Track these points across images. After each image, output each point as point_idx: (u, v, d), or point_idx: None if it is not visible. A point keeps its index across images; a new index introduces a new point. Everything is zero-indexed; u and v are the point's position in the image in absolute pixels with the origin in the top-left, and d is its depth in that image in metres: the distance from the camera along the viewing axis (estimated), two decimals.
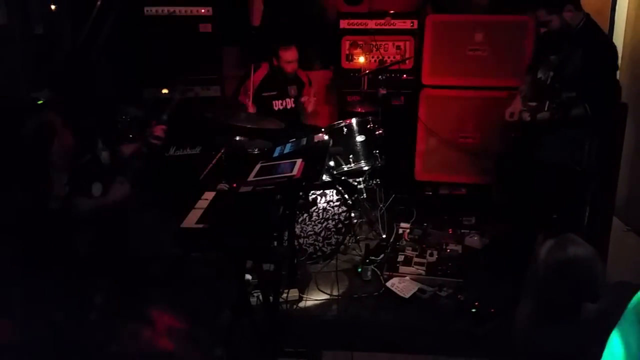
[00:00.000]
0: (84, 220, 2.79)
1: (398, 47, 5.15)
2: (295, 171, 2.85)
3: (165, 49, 4.89)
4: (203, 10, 4.93)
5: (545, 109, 3.50)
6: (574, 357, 1.83)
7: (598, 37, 3.46)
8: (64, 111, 2.79)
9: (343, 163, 4.29)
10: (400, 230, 4.50)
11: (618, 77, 4.35)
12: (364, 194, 4.50)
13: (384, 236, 4.42)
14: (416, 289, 3.66)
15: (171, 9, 4.84)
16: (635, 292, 1.39)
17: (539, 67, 3.74)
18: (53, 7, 4.76)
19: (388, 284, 3.74)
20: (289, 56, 4.61)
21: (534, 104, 3.63)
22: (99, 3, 4.82)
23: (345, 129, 4.33)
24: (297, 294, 3.63)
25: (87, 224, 2.84)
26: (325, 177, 4.06)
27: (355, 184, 4.47)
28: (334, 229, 4.05)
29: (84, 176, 2.81)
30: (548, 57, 3.63)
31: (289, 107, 4.81)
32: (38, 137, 2.71)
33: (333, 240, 4.07)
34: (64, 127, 2.72)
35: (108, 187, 2.93)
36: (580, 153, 3.65)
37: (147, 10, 4.79)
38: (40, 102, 4.01)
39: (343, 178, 4.39)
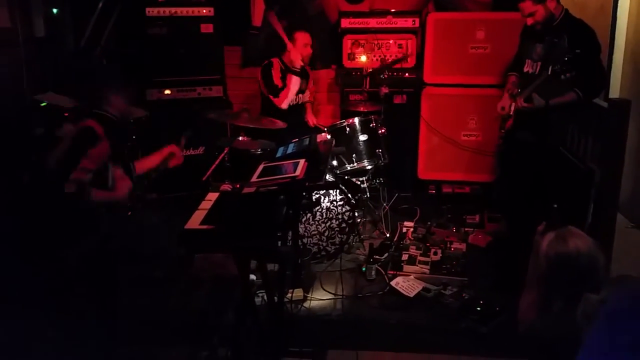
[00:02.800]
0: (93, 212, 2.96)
1: (400, 46, 5.15)
2: (298, 172, 2.86)
3: (167, 50, 4.90)
4: (205, 11, 4.95)
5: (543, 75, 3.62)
6: (572, 343, 1.86)
7: (579, 23, 3.66)
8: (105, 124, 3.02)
9: (346, 162, 4.30)
10: (404, 229, 4.49)
11: (620, 73, 4.36)
12: (367, 193, 4.51)
13: (387, 235, 4.42)
14: (421, 287, 3.66)
15: (173, 9, 4.85)
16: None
17: (524, 62, 3.89)
18: (55, 9, 4.77)
19: (392, 283, 3.74)
20: (306, 38, 4.67)
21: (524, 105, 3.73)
22: (100, 5, 4.83)
23: (347, 129, 4.33)
24: (301, 293, 3.63)
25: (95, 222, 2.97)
26: (328, 177, 4.06)
27: (359, 183, 4.47)
28: (337, 229, 4.05)
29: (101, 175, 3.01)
30: (534, 49, 3.79)
31: (300, 102, 4.82)
32: (81, 138, 2.93)
33: (337, 240, 4.07)
34: (105, 136, 2.98)
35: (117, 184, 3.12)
36: (566, 135, 3.92)
37: (149, 11, 4.80)
38: (43, 104, 4.02)
39: (346, 177, 4.39)
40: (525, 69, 3.86)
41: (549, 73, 3.52)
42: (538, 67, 3.73)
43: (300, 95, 4.77)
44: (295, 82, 4.63)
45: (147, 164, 3.43)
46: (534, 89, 3.64)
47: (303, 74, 4.82)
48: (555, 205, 2.22)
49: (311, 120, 4.94)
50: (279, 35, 5.01)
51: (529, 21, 3.71)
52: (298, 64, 4.66)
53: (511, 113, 3.84)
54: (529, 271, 2.13)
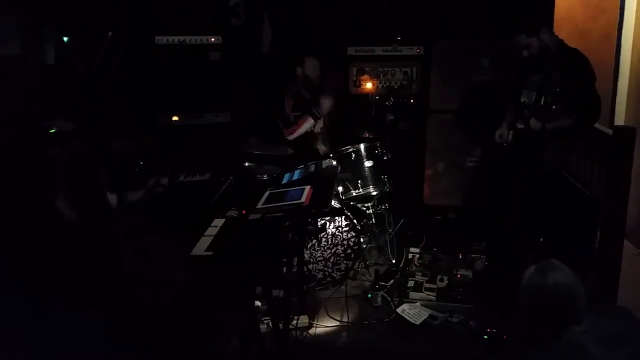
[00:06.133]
0: None
1: (405, 73, 5.20)
2: (303, 198, 2.88)
3: (175, 77, 4.96)
4: (213, 39, 5.01)
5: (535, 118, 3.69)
6: None
7: (574, 54, 3.70)
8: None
9: (351, 188, 4.31)
10: (410, 255, 4.47)
11: (625, 100, 4.38)
12: (373, 219, 4.50)
13: (393, 261, 4.41)
14: (427, 315, 3.63)
15: (182, 38, 4.92)
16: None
17: (521, 92, 3.93)
18: (65, 38, 4.85)
19: (398, 310, 3.71)
20: (314, 61, 4.64)
21: (522, 126, 3.76)
22: (110, 33, 4.91)
23: (353, 155, 4.35)
24: (307, 320, 3.61)
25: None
26: (333, 203, 4.07)
27: (364, 209, 4.48)
28: (343, 255, 4.05)
29: None
30: (530, 80, 3.84)
31: (310, 131, 4.81)
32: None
33: (342, 266, 4.06)
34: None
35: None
36: (569, 161, 3.95)
37: (158, 40, 4.87)
38: (52, 130, 4.07)
39: (352, 203, 4.39)
40: (522, 99, 3.90)
41: (542, 104, 3.56)
42: (534, 97, 3.76)
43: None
44: (307, 124, 4.59)
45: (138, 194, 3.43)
46: (530, 116, 3.68)
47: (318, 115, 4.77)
48: (542, 239, 2.26)
49: (321, 149, 4.92)
50: (288, 69, 4.98)
51: (524, 53, 3.77)
52: (325, 110, 4.64)
53: (509, 141, 3.86)
54: (517, 303, 2.14)
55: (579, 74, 3.55)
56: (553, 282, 1.96)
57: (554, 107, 3.51)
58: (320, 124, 4.84)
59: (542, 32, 3.67)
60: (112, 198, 3.17)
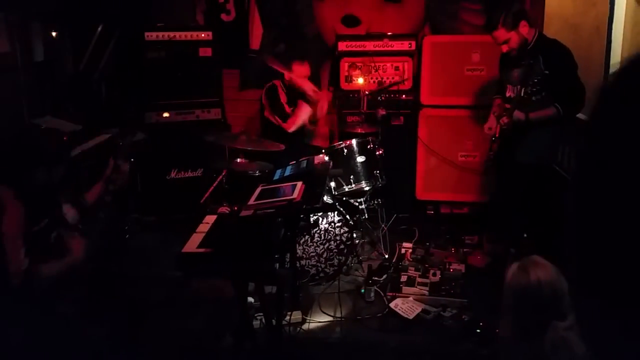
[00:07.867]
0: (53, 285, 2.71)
1: (396, 68, 5.19)
2: (295, 194, 2.86)
3: (166, 73, 4.93)
4: (203, 35, 4.99)
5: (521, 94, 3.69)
6: None
7: (553, 44, 3.71)
8: (16, 181, 2.66)
9: (344, 184, 4.30)
10: (403, 250, 4.48)
11: None
12: (366, 214, 4.50)
13: (386, 256, 4.40)
14: (420, 309, 3.64)
15: (172, 34, 4.89)
16: None
17: (505, 87, 3.94)
18: (54, 34, 4.82)
19: (391, 304, 3.72)
20: (304, 71, 4.61)
21: (507, 120, 3.75)
22: (99, 29, 4.88)
23: (345, 150, 4.35)
24: (300, 316, 3.60)
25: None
26: (326, 198, 4.07)
27: (357, 204, 4.47)
28: (336, 250, 4.04)
29: (42, 241, 2.73)
30: (512, 74, 3.85)
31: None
32: None
33: (335, 261, 4.05)
34: (14, 199, 2.58)
35: (69, 246, 2.85)
36: (557, 153, 3.94)
37: (148, 36, 4.84)
38: (42, 128, 4.04)
39: (344, 199, 4.39)
40: (508, 94, 3.91)
41: (522, 95, 3.57)
42: (518, 91, 3.76)
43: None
44: (305, 111, 4.59)
45: (96, 190, 3.26)
46: (513, 109, 3.69)
47: (305, 97, 4.77)
48: (525, 235, 2.26)
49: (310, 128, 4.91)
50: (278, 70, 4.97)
51: (504, 48, 3.77)
52: (311, 91, 4.63)
53: (497, 135, 3.87)
54: (502, 300, 2.15)
55: (558, 63, 3.56)
56: (536, 279, 1.97)
57: (533, 98, 3.51)
58: (324, 106, 4.82)
59: (521, 25, 3.67)
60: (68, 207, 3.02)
